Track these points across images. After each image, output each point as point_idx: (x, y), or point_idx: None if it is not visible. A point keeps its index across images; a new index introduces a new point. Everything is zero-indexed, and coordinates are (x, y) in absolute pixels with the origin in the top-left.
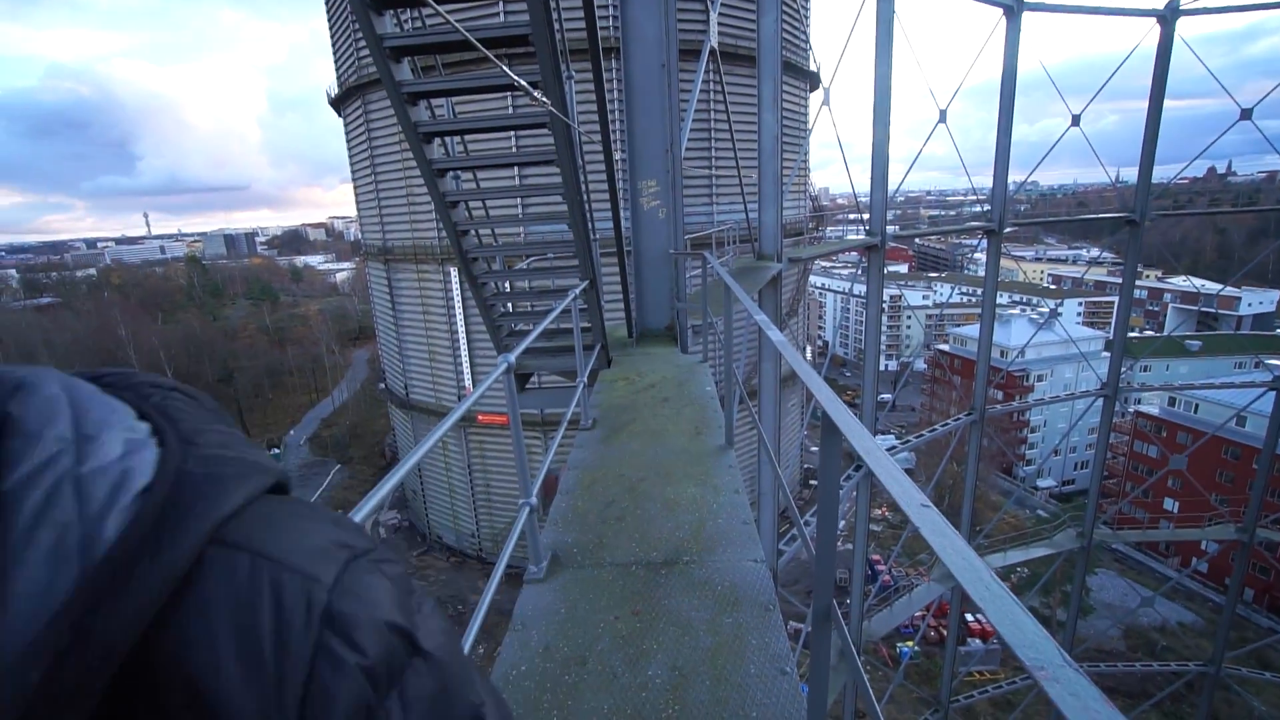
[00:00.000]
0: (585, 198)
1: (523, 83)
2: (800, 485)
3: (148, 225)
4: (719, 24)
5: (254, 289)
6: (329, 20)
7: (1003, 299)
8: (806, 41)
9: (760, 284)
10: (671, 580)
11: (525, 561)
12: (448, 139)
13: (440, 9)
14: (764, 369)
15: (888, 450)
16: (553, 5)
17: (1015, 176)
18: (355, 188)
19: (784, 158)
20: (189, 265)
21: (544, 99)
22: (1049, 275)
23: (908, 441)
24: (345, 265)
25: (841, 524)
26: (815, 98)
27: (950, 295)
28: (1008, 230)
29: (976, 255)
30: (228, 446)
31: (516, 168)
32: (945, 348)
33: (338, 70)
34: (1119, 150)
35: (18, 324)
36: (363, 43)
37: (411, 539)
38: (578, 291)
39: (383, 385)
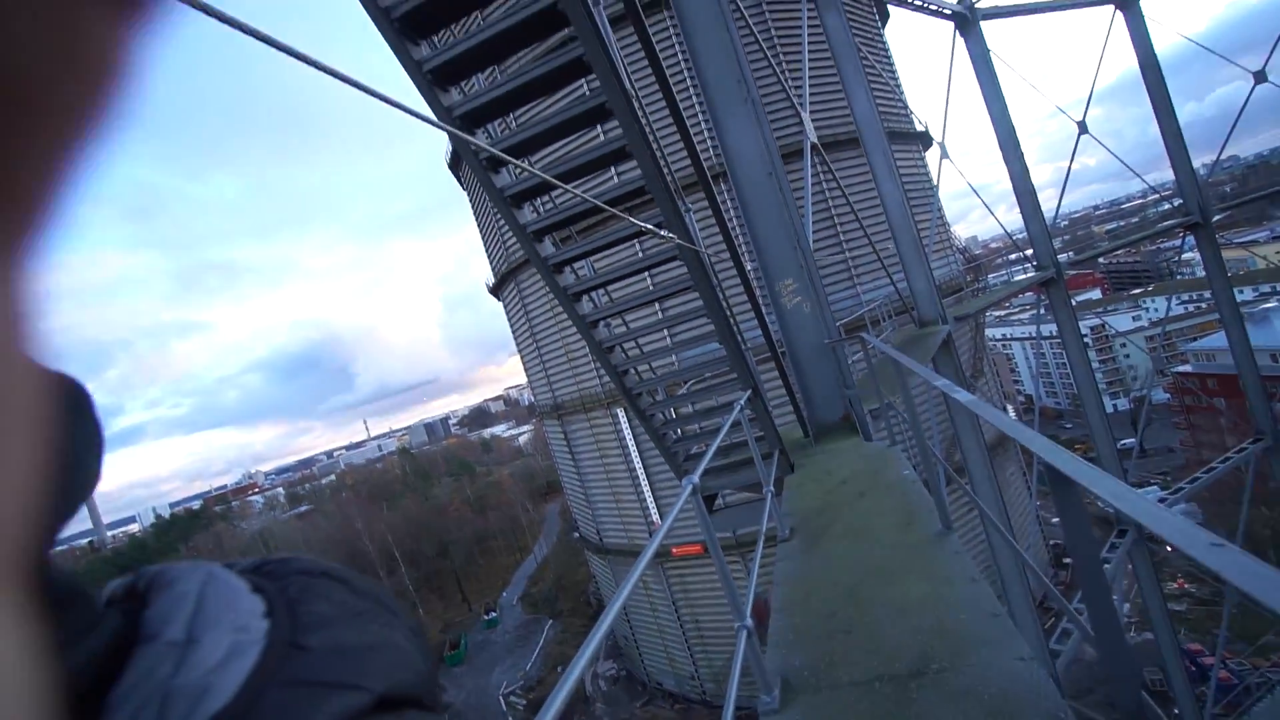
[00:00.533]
0: (728, 312)
1: (649, 227)
2: (1053, 566)
3: (366, 429)
4: (813, 118)
5: (453, 466)
6: (478, 225)
7: (1245, 294)
8: (905, 106)
9: (931, 350)
10: (926, 694)
11: (753, 699)
12: (594, 293)
13: (568, 187)
14: (964, 440)
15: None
16: (659, 155)
17: (1201, 159)
18: (522, 357)
19: (917, 220)
20: (401, 456)
21: (670, 235)
22: None
23: (1180, 490)
24: (525, 428)
25: (1127, 606)
26: (933, 154)
27: (1169, 308)
28: (1217, 219)
29: (1187, 255)
30: (343, 652)
31: (658, 303)
32: (1188, 368)
33: (491, 263)
34: None
35: (286, 531)
36: (508, 235)
37: (631, 689)
38: (743, 401)
39: (577, 534)
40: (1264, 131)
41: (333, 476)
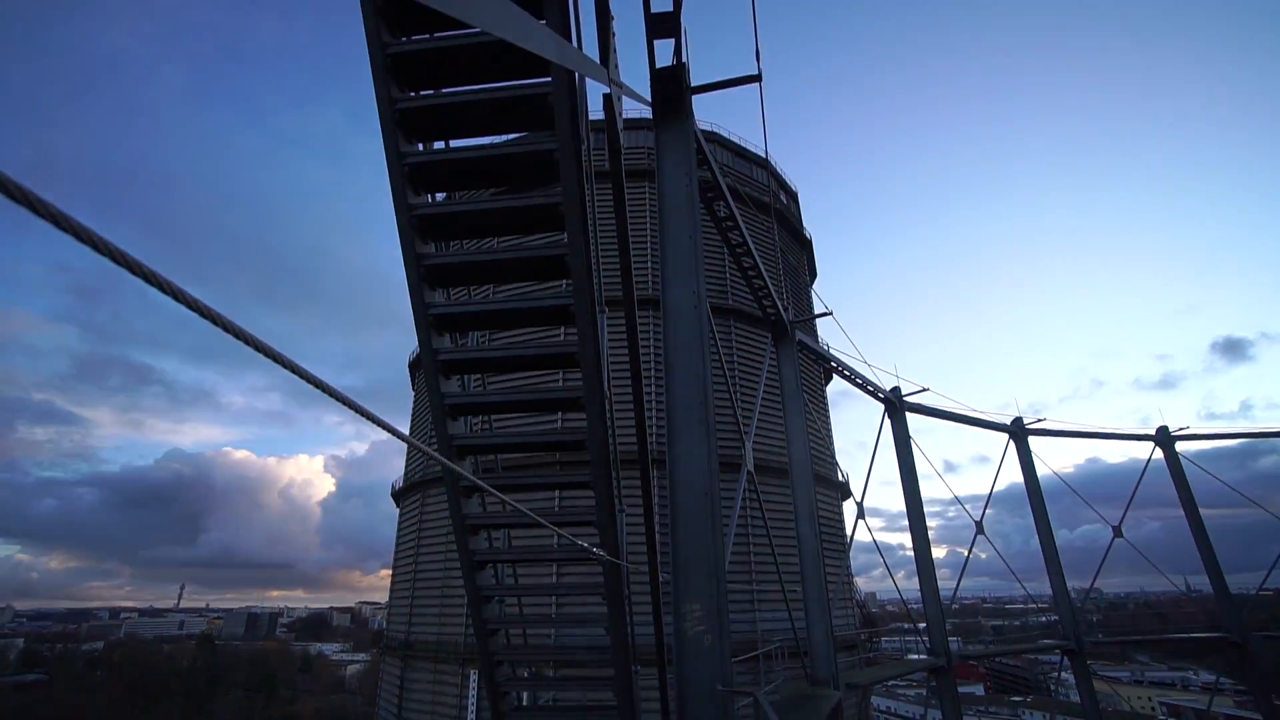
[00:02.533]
0: (629, 628)
1: (583, 545)
2: None
3: (179, 597)
4: (754, 443)
5: (255, 677)
6: (412, 426)
7: None
8: (832, 456)
9: (820, 717)
10: None
11: None
12: (493, 533)
13: (498, 495)
14: None
15: None
16: (611, 461)
17: (1074, 582)
18: (394, 575)
19: (827, 568)
20: (199, 645)
21: (599, 553)
22: (1160, 702)
23: None
24: (360, 658)
25: None
26: (848, 505)
27: None
28: (1090, 646)
29: (1064, 676)
30: None
31: (555, 565)
32: None
33: (407, 467)
34: (1175, 557)
35: None
36: (434, 444)
37: None
38: None
39: None
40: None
41: (100, 645)
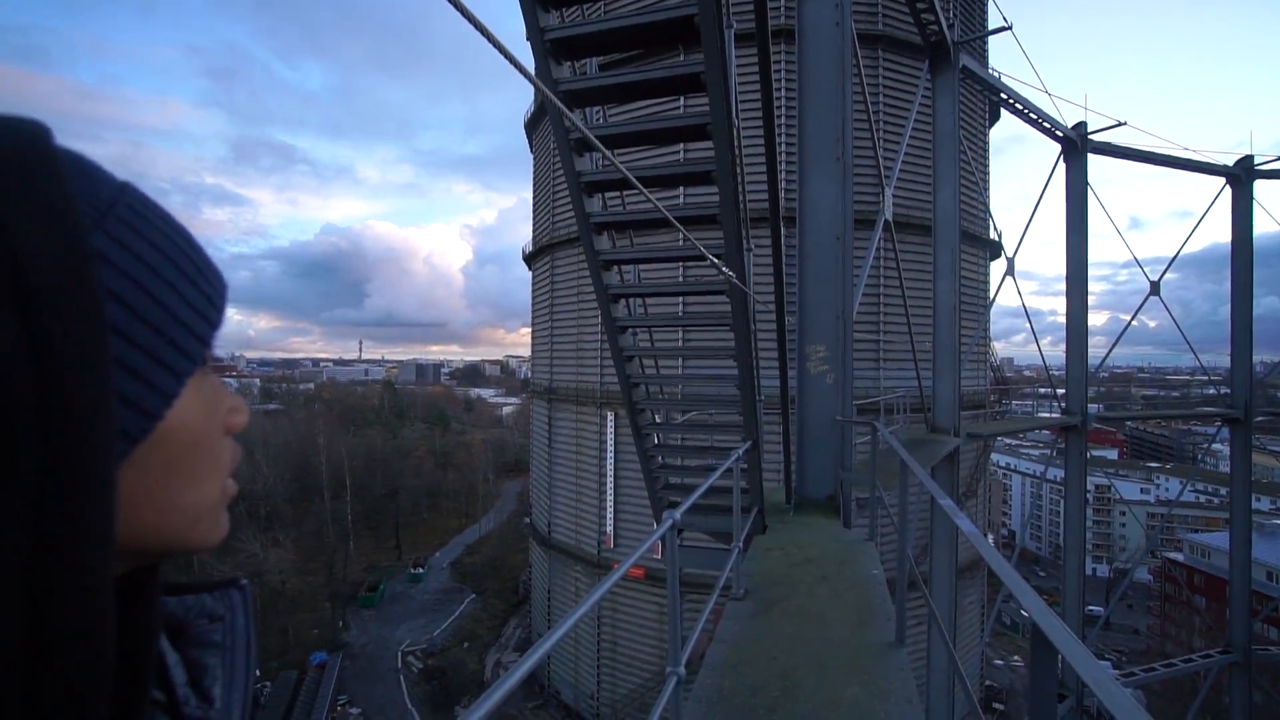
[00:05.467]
0: (755, 360)
1: (712, 258)
2: (982, 709)
3: (360, 351)
4: (894, 193)
5: (431, 414)
6: (534, 192)
7: (1261, 504)
8: (986, 210)
9: (935, 459)
10: None
11: None
12: (630, 301)
13: (647, 194)
14: (937, 556)
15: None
16: (740, 187)
17: (1263, 356)
18: (533, 332)
19: (962, 326)
20: (384, 388)
21: (728, 271)
22: None
23: (1133, 675)
24: (512, 400)
25: None
26: (997, 266)
27: (1181, 493)
28: (1259, 419)
29: (1215, 447)
30: None
31: (682, 330)
32: (1179, 556)
33: (535, 231)
34: None
35: (250, 423)
36: (559, 209)
37: (528, 688)
38: (741, 453)
39: (528, 520)
40: None
41: (311, 385)
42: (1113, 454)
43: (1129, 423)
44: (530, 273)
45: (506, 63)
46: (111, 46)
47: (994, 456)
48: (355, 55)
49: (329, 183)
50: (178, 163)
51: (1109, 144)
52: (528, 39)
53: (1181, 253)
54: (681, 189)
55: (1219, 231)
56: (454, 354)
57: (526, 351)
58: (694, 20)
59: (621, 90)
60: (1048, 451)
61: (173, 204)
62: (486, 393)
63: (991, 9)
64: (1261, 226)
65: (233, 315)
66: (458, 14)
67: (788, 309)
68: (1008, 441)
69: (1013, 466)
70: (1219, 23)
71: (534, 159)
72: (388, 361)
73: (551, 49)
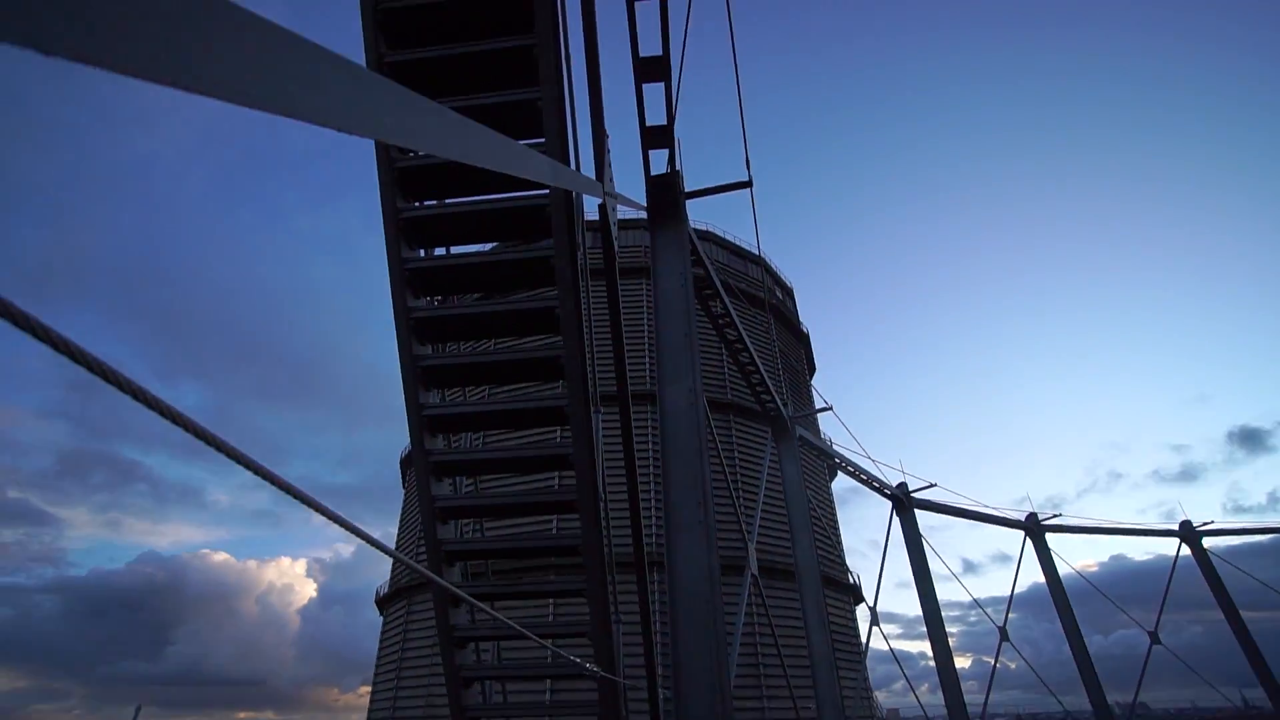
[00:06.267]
0: None
1: (577, 659)
2: None
3: None
4: (756, 545)
5: None
6: (401, 522)
7: None
8: (841, 558)
9: None
10: None
11: None
12: (481, 646)
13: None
14: None
15: None
16: (606, 546)
17: (1116, 696)
18: (374, 692)
19: (841, 679)
20: None
21: (594, 669)
22: None
23: None
24: None
25: None
26: (862, 610)
27: None
28: None
29: None
30: None
31: (549, 682)
32: None
33: (393, 573)
34: (1223, 664)
35: None
36: (423, 549)
37: None
38: None
39: None
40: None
41: None
42: None
43: None
44: (382, 618)
45: (387, 396)
46: None
47: None
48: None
49: (166, 505)
50: None
51: (928, 501)
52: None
53: (1014, 595)
54: (556, 523)
55: (1037, 571)
56: None
57: (361, 718)
58: (563, 410)
59: (496, 464)
60: None
61: None
62: None
63: (815, 393)
64: (1066, 569)
65: None
66: (351, 364)
67: (662, 675)
68: None
69: None
70: (997, 394)
71: (405, 494)
72: None
73: (428, 422)
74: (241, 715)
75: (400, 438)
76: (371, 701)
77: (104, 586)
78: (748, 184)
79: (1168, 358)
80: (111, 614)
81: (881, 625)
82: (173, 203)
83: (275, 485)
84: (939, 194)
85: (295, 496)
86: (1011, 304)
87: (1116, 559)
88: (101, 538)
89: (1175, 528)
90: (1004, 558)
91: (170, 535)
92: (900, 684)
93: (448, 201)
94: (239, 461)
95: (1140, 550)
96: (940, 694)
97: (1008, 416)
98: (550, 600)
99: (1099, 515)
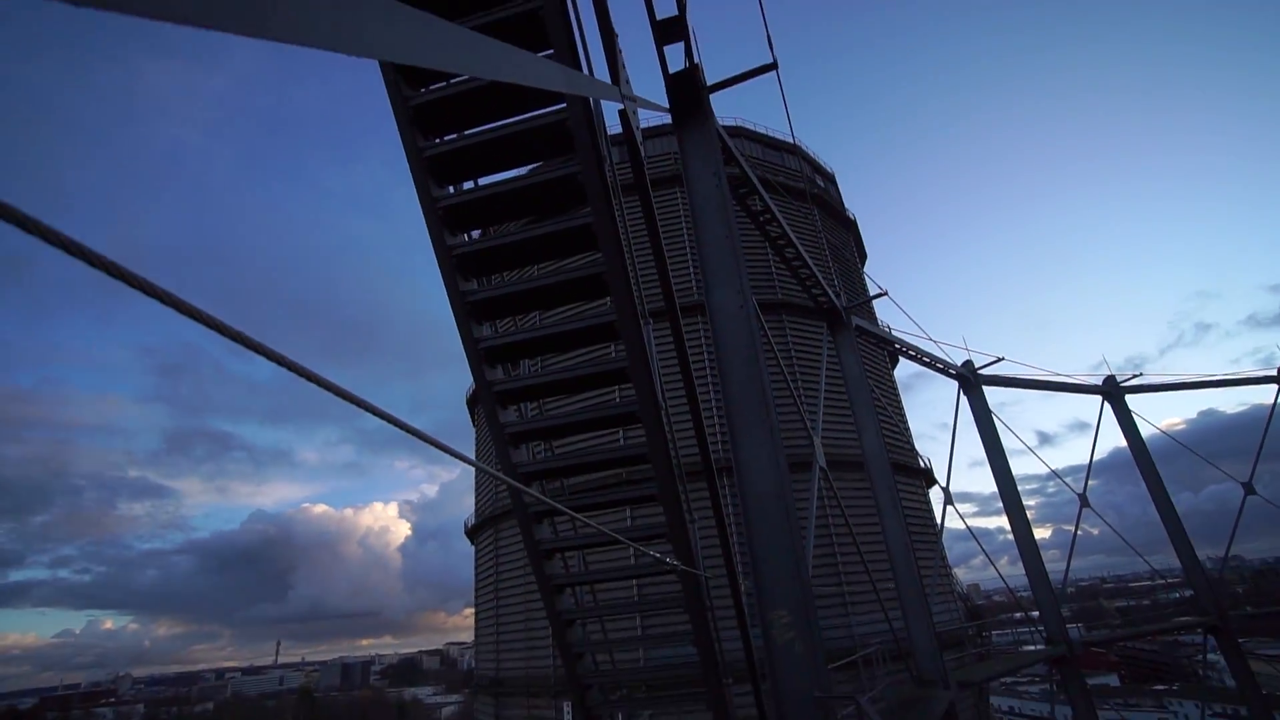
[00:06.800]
0: (715, 636)
1: (655, 555)
2: None
3: (277, 654)
4: (823, 438)
5: None
6: (475, 456)
7: None
8: (910, 443)
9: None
10: None
11: None
12: (569, 555)
13: (582, 518)
14: None
15: None
16: (676, 464)
17: (1207, 551)
18: (477, 613)
19: (919, 561)
20: (300, 698)
21: (674, 564)
22: None
23: None
24: (453, 699)
25: None
26: (935, 493)
27: (1202, 717)
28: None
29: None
30: None
31: (635, 582)
32: None
33: (478, 504)
34: None
35: None
36: (501, 485)
37: None
38: None
39: None
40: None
41: (210, 705)
42: (1112, 678)
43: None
44: (474, 547)
45: (452, 343)
46: (62, 352)
47: (992, 699)
48: (308, 346)
49: (264, 468)
50: (103, 458)
51: (997, 376)
52: (466, 348)
53: (1093, 462)
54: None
55: (1117, 436)
56: (387, 647)
57: (470, 636)
58: (614, 325)
59: (555, 386)
60: (1046, 686)
61: (86, 500)
62: (424, 691)
63: (868, 279)
64: (1150, 430)
65: (127, 626)
66: (406, 312)
67: (743, 573)
68: (1002, 680)
69: (1016, 710)
70: (1064, 254)
71: (475, 431)
72: (308, 664)
73: (485, 355)
74: (364, 642)
75: (463, 376)
76: (476, 620)
77: (226, 544)
78: (772, 66)
79: (1264, 190)
80: (237, 567)
81: (956, 505)
82: (206, 183)
83: (396, 426)
84: (982, 44)
85: (413, 433)
86: (1075, 149)
87: (1206, 414)
88: (215, 503)
89: (1274, 373)
90: (1082, 425)
91: (272, 494)
92: (979, 559)
93: (467, 133)
94: (329, 388)
95: (1233, 402)
96: (1020, 565)
97: (1078, 277)
98: (627, 509)
99: (1185, 370)
